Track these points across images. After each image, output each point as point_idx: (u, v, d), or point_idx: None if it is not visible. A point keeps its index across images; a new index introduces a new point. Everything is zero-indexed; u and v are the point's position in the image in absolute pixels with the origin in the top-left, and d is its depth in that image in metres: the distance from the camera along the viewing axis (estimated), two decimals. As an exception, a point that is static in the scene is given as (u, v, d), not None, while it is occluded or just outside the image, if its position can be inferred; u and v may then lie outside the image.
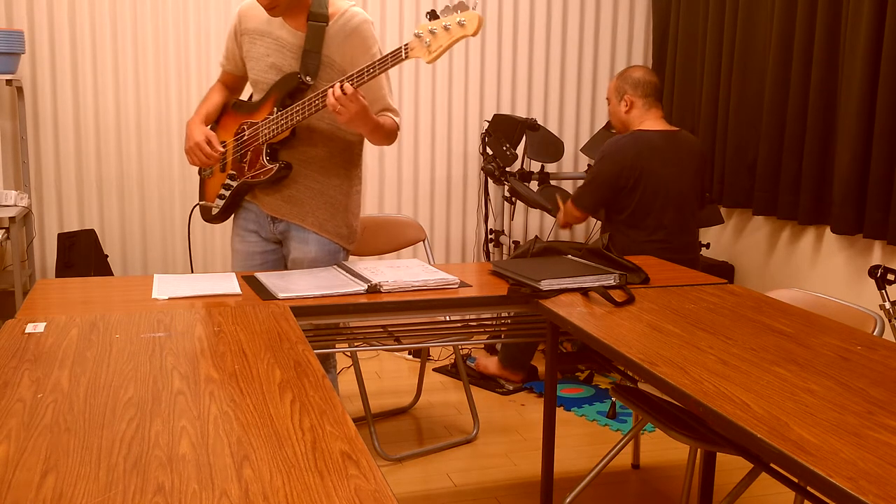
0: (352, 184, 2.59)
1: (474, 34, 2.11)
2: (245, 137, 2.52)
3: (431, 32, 2.16)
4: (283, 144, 2.47)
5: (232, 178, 2.57)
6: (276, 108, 2.44)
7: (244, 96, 2.67)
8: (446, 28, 2.13)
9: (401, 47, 2.21)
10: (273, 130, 2.44)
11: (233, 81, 2.67)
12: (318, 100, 2.33)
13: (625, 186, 3.19)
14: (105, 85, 4.00)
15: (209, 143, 2.48)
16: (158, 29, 4.02)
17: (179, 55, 4.06)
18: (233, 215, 2.67)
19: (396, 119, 2.52)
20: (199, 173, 2.72)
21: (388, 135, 2.48)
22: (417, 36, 2.18)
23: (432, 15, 2.18)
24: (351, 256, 3.66)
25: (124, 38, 3.99)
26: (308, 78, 2.40)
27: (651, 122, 3.28)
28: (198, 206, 2.73)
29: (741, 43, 3.97)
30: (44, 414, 1.34)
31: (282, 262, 2.65)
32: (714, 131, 4.20)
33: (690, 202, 3.27)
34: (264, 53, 2.47)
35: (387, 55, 2.23)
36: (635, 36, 4.71)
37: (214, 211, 2.62)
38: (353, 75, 2.27)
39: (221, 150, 2.51)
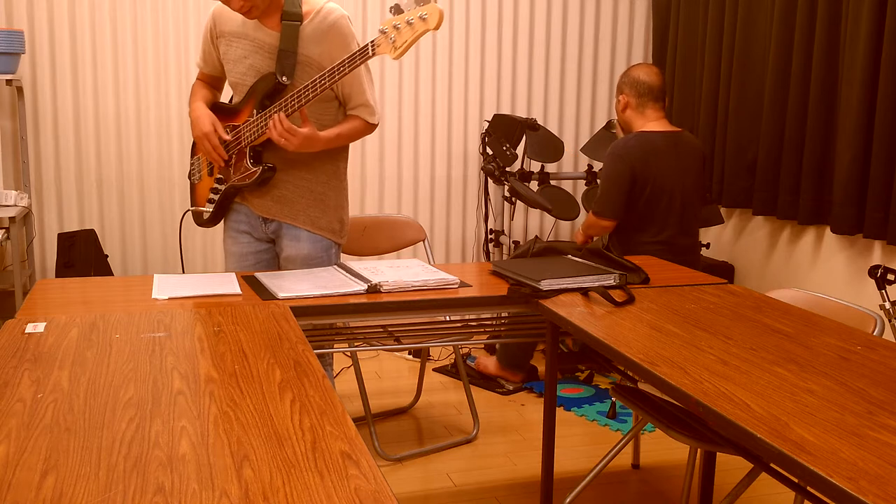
0: (340, 179, 2.59)
1: (436, 28, 2.10)
2: (229, 142, 2.52)
3: (395, 28, 2.16)
4: (266, 146, 2.47)
5: (219, 181, 2.57)
6: (255, 111, 2.44)
7: (224, 98, 2.67)
8: (409, 23, 2.13)
9: (367, 45, 2.21)
10: (254, 133, 2.44)
11: (211, 81, 2.67)
12: (294, 101, 2.34)
13: (633, 188, 3.17)
14: (105, 85, 4.00)
15: (216, 130, 2.48)
16: (158, 29, 4.02)
17: (179, 55, 4.06)
18: (225, 218, 2.67)
19: (369, 119, 2.50)
20: (189, 177, 2.72)
21: (352, 137, 2.51)
22: (382, 32, 2.18)
23: (396, 9, 2.17)
24: (351, 256, 3.67)
25: (124, 38, 3.99)
26: (284, 78, 2.39)
27: (651, 123, 3.25)
28: (189, 212, 2.73)
29: (741, 43, 3.97)
30: (44, 414, 1.34)
31: (275, 261, 2.65)
32: (714, 131, 4.20)
33: (693, 204, 3.26)
34: (242, 55, 2.46)
35: (354, 53, 2.24)
36: (635, 36, 4.71)
37: (206, 215, 2.62)
38: (324, 75, 2.28)
39: (227, 137, 2.51)
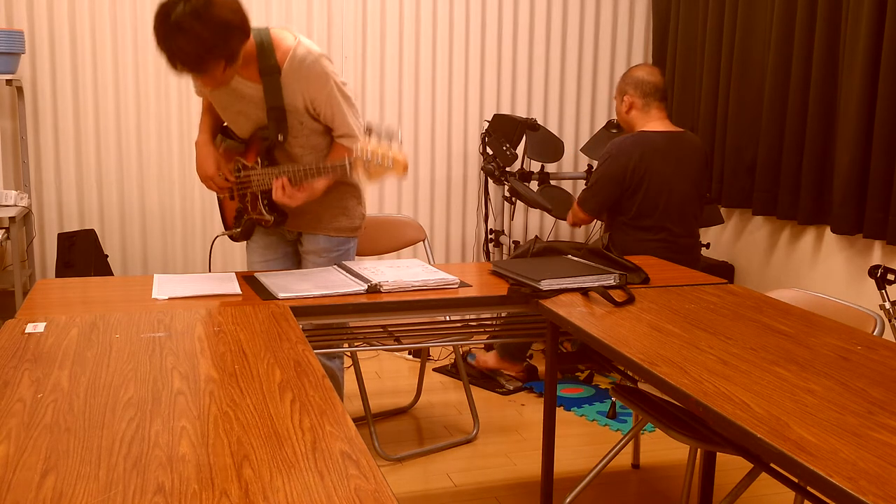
0: (353, 184, 2.63)
1: (401, 175, 2.22)
2: (241, 177, 2.54)
3: (368, 159, 2.21)
4: None
5: (240, 212, 2.61)
6: (259, 159, 2.46)
7: None
8: (379, 161, 2.19)
9: (346, 161, 2.27)
10: (262, 183, 2.47)
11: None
12: (293, 176, 2.39)
13: (628, 187, 3.19)
14: (105, 85, 4.00)
15: (220, 170, 2.52)
16: (158, 29, 4.02)
17: (179, 55, 4.06)
18: None
19: (352, 146, 2.50)
20: (218, 194, 2.76)
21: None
22: (360, 156, 2.21)
23: (368, 129, 2.24)
24: (351, 256, 3.66)
25: (124, 38, 3.99)
26: (280, 137, 2.41)
27: (654, 122, 3.27)
28: (222, 236, 2.78)
29: (741, 43, 3.97)
30: (44, 414, 1.34)
31: (297, 254, 2.71)
32: (714, 131, 4.20)
33: (693, 203, 3.27)
34: (228, 103, 2.46)
35: (336, 164, 2.31)
36: (635, 36, 4.71)
37: (236, 236, 2.67)
38: (299, 172, 2.36)
39: (232, 178, 2.55)
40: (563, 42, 4.60)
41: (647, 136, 3.22)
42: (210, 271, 2.72)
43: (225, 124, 2.62)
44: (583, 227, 4.79)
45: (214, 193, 3.69)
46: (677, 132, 3.26)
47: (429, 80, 4.42)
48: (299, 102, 2.40)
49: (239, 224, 2.61)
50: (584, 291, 2.25)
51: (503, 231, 4.30)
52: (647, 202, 3.19)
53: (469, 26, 4.43)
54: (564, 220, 4.32)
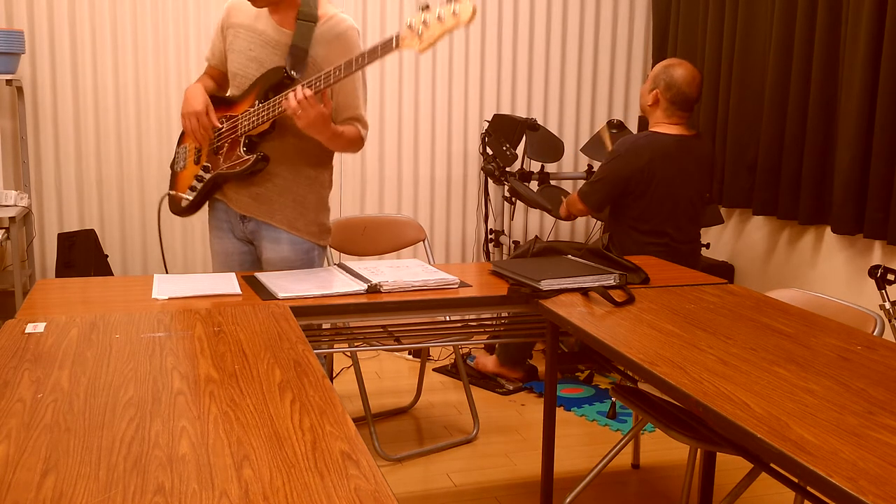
0: (321, 186, 2.57)
1: (468, 23, 2.05)
2: (223, 130, 2.49)
3: (424, 23, 2.09)
4: (262, 138, 2.45)
5: (206, 170, 2.52)
6: (257, 101, 2.41)
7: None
8: (439, 18, 2.06)
9: (392, 37, 2.15)
10: (253, 122, 2.41)
11: (218, 76, 2.64)
12: (319, 81, 2.28)
13: (634, 189, 3.16)
14: (105, 85, 4.00)
15: (207, 112, 2.46)
16: (158, 28, 4.02)
17: (179, 55, 4.06)
18: (208, 216, 2.64)
19: (363, 131, 2.49)
20: (171, 166, 2.69)
21: (349, 143, 2.47)
22: (410, 27, 2.12)
23: (425, 7, 2.12)
24: (351, 256, 3.67)
25: (124, 38, 3.99)
26: (294, 72, 2.38)
27: (670, 126, 3.21)
28: (167, 198, 2.66)
29: (741, 43, 3.97)
30: (44, 414, 1.34)
31: (258, 263, 2.62)
32: (714, 131, 4.20)
33: (697, 209, 3.25)
34: (247, 47, 2.46)
35: (377, 45, 2.17)
36: (635, 36, 4.71)
37: (185, 203, 2.56)
38: (350, 61, 2.21)
39: (218, 124, 2.49)
40: (563, 42, 4.60)
41: (659, 139, 3.18)
42: (161, 238, 2.65)
43: (214, 94, 2.57)
44: (583, 226, 4.79)
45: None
46: (689, 137, 3.20)
47: (429, 80, 4.42)
48: (321, 58, 2.40)
49: (194, 190, 2.53)
50: (584, 291, 2.25)
51: (503, 231, 4.30)
52: (651, 206, 3.17)
53: (469, 27, 4.43)
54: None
